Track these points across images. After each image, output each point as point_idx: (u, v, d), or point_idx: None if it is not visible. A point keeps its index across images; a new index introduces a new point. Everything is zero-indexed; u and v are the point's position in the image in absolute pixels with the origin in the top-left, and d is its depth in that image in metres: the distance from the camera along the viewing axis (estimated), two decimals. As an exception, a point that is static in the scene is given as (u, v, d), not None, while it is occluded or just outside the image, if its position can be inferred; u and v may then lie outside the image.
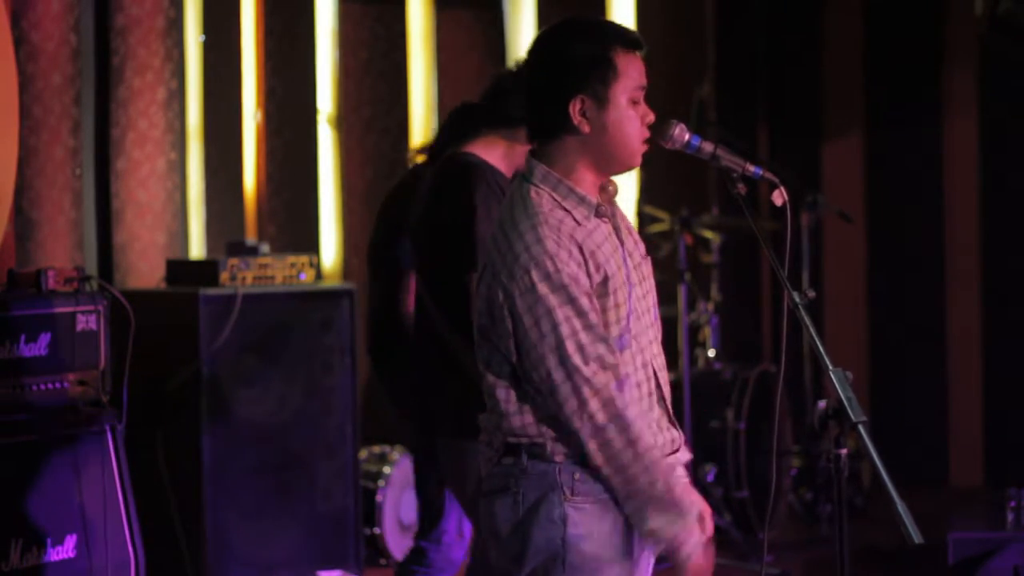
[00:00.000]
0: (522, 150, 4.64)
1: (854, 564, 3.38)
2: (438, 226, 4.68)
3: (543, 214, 3.38)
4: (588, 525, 3.39)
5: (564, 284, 3.34)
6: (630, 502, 3.36)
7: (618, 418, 3.33)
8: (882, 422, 8.61)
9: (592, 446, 3.34)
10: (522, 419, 3.40)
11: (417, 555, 5.17)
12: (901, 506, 3.24)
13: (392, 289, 5.49)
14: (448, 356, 4.63)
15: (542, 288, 3.33)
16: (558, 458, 3.39)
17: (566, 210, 3.42)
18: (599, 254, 3.40)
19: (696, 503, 3.39)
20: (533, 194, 3.42)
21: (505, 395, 3.42)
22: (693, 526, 3.37)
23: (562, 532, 3.39)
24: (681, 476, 3.48)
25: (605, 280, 3.40)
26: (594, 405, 3.33)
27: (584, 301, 3.35)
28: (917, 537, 3.23)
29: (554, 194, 3.43)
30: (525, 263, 3.34)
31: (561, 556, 3.39)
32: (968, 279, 8.87)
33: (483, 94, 4.88)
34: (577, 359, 3.32)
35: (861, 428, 3.30)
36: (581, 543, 3.38)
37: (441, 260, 4.64)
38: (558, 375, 3.33)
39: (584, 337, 3.34)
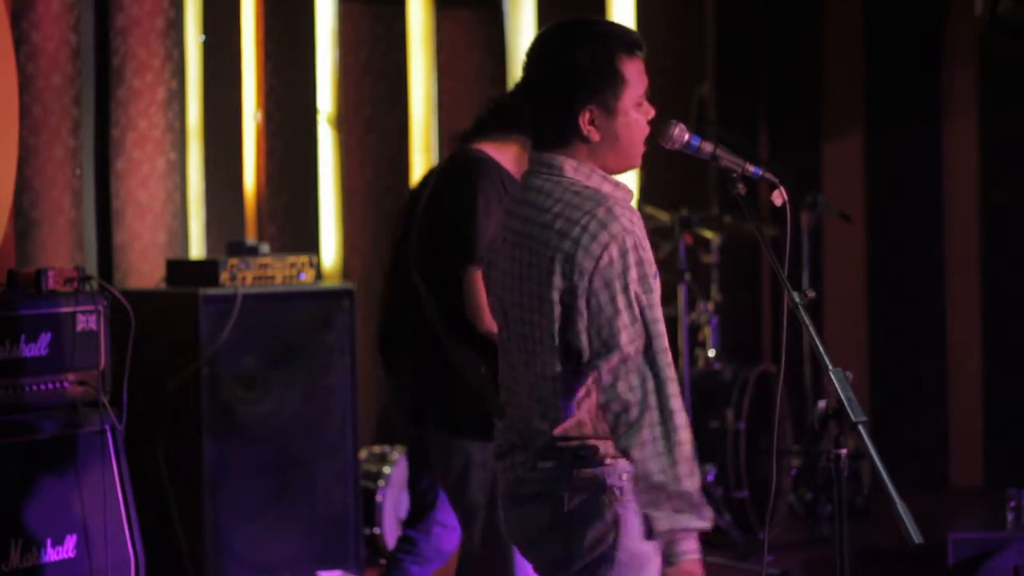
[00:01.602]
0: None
1: (854, 564, 3.38)
2: (438, 219, 4.69)
3: (611, 196, 3.40)
4: (637, 524, 3.41)
5: (644, 260, 3.35)
6: (652, 492, 3.36)
7: (677, 412, 3.34)
8: (882, 422, 8.60)
9: (645, 433, 3.32)
10: (578, 419, 3.40)
11: (407, 543, 5.19)
12: (901, 506, 3.24)
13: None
14: (441, 351, 4.64)
15: (620, 265, 3.32)
16: (608, 460, 3.40)
17: None
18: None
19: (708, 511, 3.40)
20: (583, 181, 3.41)
21: (564, 394, 3.39)
22: (698, 525, 3.37)
23: (615, 532, 3.41)
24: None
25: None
26: (672, 390, 3.33)
27: (657, 283, 3.38)
28: (917, 537, 3.23)
29: (589, 183, 3.44)
30: (606, 241, 3.33)
31: (611, 555, 3.41)
32: (968, 279, 8.87)
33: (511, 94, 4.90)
34: (659, 343, 3.33)
35: (861, 428, 3.30)
36: (631, 542, 3.40)
37: (438, 252, 4.65)
38: (631, 349, 3.32)
39: (660, 324, 3.35)
